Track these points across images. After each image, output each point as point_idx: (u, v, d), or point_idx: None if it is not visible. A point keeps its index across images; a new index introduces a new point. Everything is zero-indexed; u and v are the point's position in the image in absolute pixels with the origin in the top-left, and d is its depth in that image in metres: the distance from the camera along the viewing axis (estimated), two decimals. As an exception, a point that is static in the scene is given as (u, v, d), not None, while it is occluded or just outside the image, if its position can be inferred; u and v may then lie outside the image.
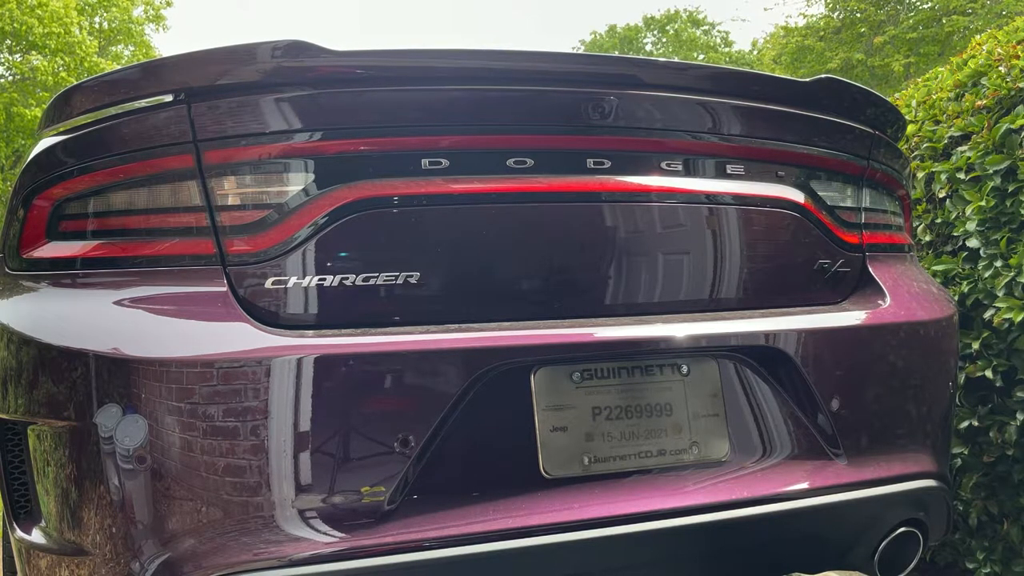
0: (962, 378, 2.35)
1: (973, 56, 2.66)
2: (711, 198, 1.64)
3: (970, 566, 2.50)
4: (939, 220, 2.58)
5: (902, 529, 1.69)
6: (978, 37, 2.84)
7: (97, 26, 23.31)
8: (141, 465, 1.27)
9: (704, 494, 1.49)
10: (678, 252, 1.62)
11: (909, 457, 1.71)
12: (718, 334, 1.56)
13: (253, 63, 1.39)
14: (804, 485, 1.58)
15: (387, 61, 1.45)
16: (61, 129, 1.48)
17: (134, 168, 1.39)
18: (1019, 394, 2.23)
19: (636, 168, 1.58)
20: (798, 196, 1.73)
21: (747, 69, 1.82)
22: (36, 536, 1.42)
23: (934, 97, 2.75)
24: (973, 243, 2.36)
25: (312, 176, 1.40)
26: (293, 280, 1.38)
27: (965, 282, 2.37)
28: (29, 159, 1.50)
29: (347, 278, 1.39)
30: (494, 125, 1.49)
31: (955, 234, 2.47)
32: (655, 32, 36.39)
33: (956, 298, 2.32)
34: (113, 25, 23.67)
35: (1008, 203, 2.26)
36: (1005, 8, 18.87)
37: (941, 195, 2.56)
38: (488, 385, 1.38)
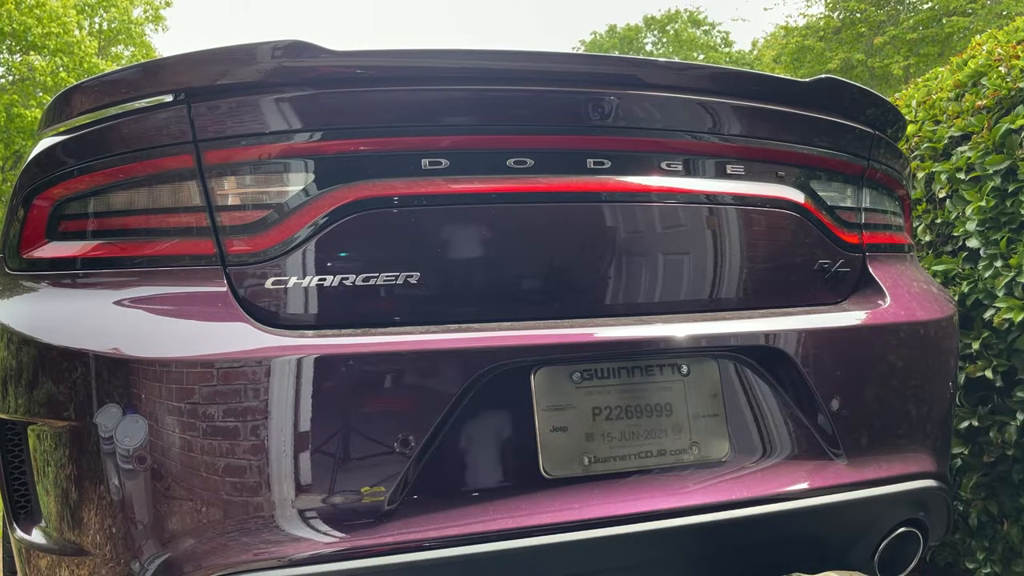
0: (962, 378, 2.35)
1: (973, 56, 2.66)
2: (711, 198, 1.64)
3: (970, 566, 2.50)
4: (939, 220, 2.58)
5: (902, 529, 1.69)
6: (978, 37, 2.84)
7: (97, 27, 23.30)
8: (141, 465, 1.26)
9: (704, 494, 1.49)
10: (678, 252, 1.62)
11: (909, 457, 1.71)
12: (718, 334, 1.56)
13: (253, 63, 1.39)
14: (804, 485, 1.58)
15: (387, 61, 1.45)
16: (61, 129, 1.48)
17: (134, 168, 1.39)
18: (1019, 394, 2.23)
19: (636, 168, 1.58)
20: (798, 196, 1.73)
21: (747, 69, 1.81)
22: (36, 536, 1.42)
23: (934, 97, 2.75)
24: (973, 243, 2.36)
25: (312, 176, 1.40)
26: (293, 280, 1.38)
27: (965, 282, 2.37)
28: (29, 159, 1.50)
29: (347, 278, 1.39)
30: (494, 125, 1.49)
31: (955, 234, 2.47)
32: (655, 32, 36.39)
33: (956, 298, 2.31)
34: (113, 26, 23.65)
35: (1008, 203, 2.26)
36: (1005, 8, 18.87)
37: (941, 195, 2.56)
38: (488, 385, 1.38)
